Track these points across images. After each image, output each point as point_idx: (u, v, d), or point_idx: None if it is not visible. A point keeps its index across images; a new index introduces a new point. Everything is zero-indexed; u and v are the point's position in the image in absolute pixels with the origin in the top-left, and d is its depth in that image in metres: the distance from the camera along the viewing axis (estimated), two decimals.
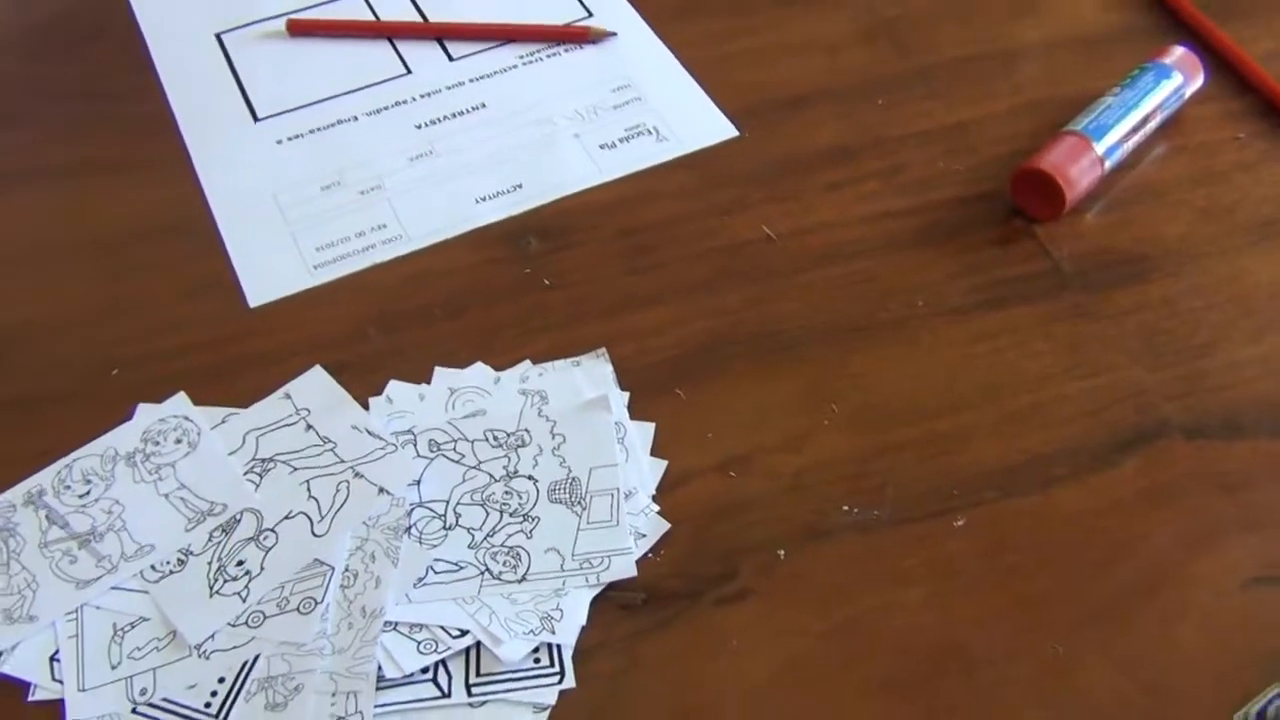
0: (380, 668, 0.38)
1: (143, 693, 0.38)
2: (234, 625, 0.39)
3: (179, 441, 0.43)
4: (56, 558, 0.41)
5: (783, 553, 0.41)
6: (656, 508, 0.42)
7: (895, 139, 0.55)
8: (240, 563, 0.41)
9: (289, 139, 0.56)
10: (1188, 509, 0.42)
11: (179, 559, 0.41)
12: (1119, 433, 0.44)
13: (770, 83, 0.58)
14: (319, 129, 0.57)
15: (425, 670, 0.38)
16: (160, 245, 0.51)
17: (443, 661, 0.39)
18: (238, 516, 0.42)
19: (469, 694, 0.38)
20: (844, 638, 0.39)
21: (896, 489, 0.43)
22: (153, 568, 0.41)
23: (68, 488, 0.42)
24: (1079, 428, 0.44)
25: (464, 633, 0.39)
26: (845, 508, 0.42)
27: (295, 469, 0.43)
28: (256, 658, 0.38)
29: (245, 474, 0.43)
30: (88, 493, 0.42)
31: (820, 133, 0.56)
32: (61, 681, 0.38)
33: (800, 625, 0.40)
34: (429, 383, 0.46)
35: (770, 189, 0.53)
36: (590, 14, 0.61)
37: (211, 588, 0.40)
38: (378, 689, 0.38)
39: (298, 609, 0.39)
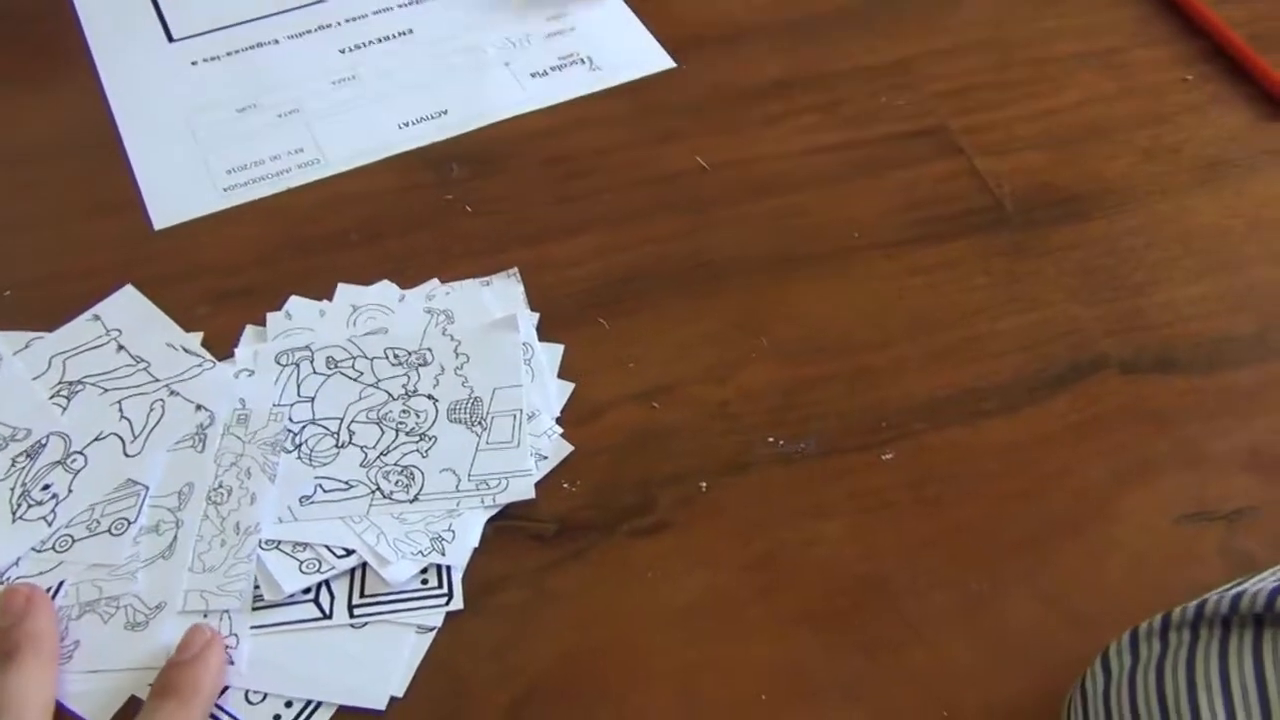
0: (258, 587, 0.36)
1: None
2: (39, 550, 0.37)
3: None
4: None
5: (704, 485, 0.40)
6: (560, 430, 0.40)
7: (836, 74, 0.54)
8: (46, 487, 0.39)
9: (205, 60, 0.54)
10: (1119, 444, 0.41)
11: None
12: (1053, 367, 0.43)
13: (711, 16, 0.56)
14: (237, 51, 0.54)
15: (307, 591, 0.36)
16: (64, 163, 0.49)
17: (326, 582, 0.37)
18: (43, 441, 0.40)
19: (351, 615, 0.36)
20: (764, 570, 0.38)
21: (823, 421, 0.41)
22: None
23: None
24: (1012, 362, 0.43)
25: (349, 552, 0.37)
26: (771, 439, 0.41)
27: (106, 390, 0.41)
28: (61, 583, 0.37)
29: (51, 398, 0.41)
30: None
31: (760, 67, 0.54)
32: None
33: (719, 557, 0.38)
34: (331, 299, 0.44)
35: (706, 121, 0.52)
36: None
37: (15, 513, 0.38)
38: (254, 609, 0.36)
39: (109, 530, 0.38)
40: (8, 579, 0.37)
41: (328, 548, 0.37)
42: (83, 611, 0.36)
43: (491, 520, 0.39)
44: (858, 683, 0.36)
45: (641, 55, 0.54)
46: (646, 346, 0.43)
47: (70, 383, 0.41)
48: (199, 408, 0.41)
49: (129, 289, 0.44)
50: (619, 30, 0.55)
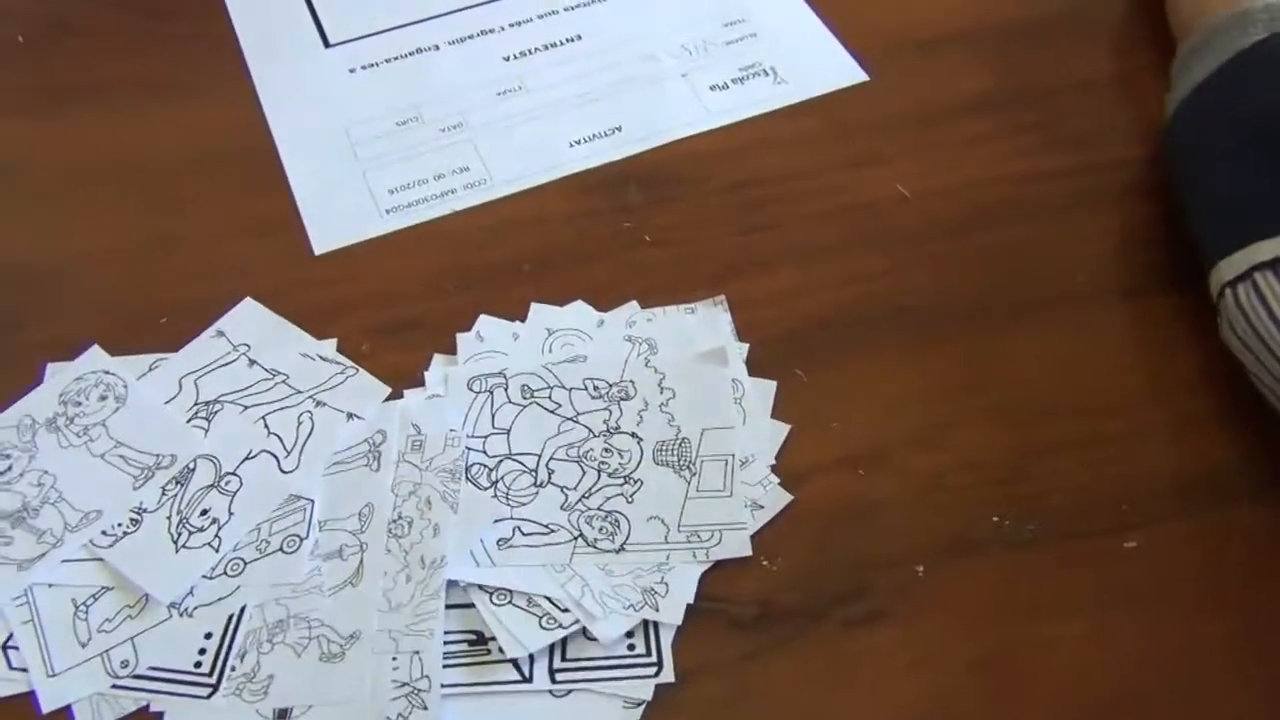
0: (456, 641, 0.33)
1: (124, 665, 0.34)
2: (210, 577, 0.35)
3: (104, 398, 0.39)
4: None
5: (921, 569, 0.35)
6: (777, 479, 0.36)
7: (1048, 88, 0.48)
8: (204, 512, 0.37)
9: (363, 68, 0.50)
10: None
11: (132, 519, 0.37)
12: None
13: (906, 21, 0.51)
14: (396, 58, 0.51)
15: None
16: (217, 178, 0.46)
17: None
18: (191, 466, 0.38)
19: (553, 680, 0.33)
20: (992, 674, 0.33)
21: (1055, 497, 0.36)
22: (103, 533, 0.36)
23: None
24: (1276, 433, 0.37)
25: (566, 610, 0.33)
26: (995, 519, 0.36)
27: (246, 407, 0.39)
28: (244, 607, 0.34)
29: (189, 420, 0.39)
30: (8, 469, 0.37)
31: (963, 79, 0.49)
32: (24, 669, 0.34)
33: (942, 656, 0.34)
34: (524, 321, 0.41)
35: (904, 142, 0.47)
36: None
37: (176, 542, 0.36)
38: (443, 667, 0.33)
39: (281, 549, 0.36)
40: (186, 610, 0.35)
41: (549, 600, 0.34)
42: (273, 637, 0.34)
43: None
44: None
45: (829, 66, 0.49)
46: (848, 402, 0.39)
47: (207, 403, 0.39)
48: (350, 416, 0.38)
49: (249, 301, 0.42)
50: (804, 37, 0.51)
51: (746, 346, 0.40)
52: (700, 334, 0.40)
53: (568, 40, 0.51)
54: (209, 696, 0.33)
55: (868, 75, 0.49)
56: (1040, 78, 0.48)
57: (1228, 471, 0.37)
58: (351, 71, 0.50)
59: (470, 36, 0.52)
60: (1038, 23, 0.51)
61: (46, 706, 0.33)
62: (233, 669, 0.34)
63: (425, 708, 0.32)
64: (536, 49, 0.51)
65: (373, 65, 0.51)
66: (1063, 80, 0.48)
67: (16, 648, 0.34)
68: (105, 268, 0.43)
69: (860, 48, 0.50)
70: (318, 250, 0.44)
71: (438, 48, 0.51)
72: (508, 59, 0.51)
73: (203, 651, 0.34)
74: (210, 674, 0.34)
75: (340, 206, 0.45)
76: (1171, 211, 0.43)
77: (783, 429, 0.38)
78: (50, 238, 0.44)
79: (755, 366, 0.40)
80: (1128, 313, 0.41)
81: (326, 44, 0.51)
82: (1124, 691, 0.33)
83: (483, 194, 0.46)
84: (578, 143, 0.47)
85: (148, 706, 0.33)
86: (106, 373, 0.40)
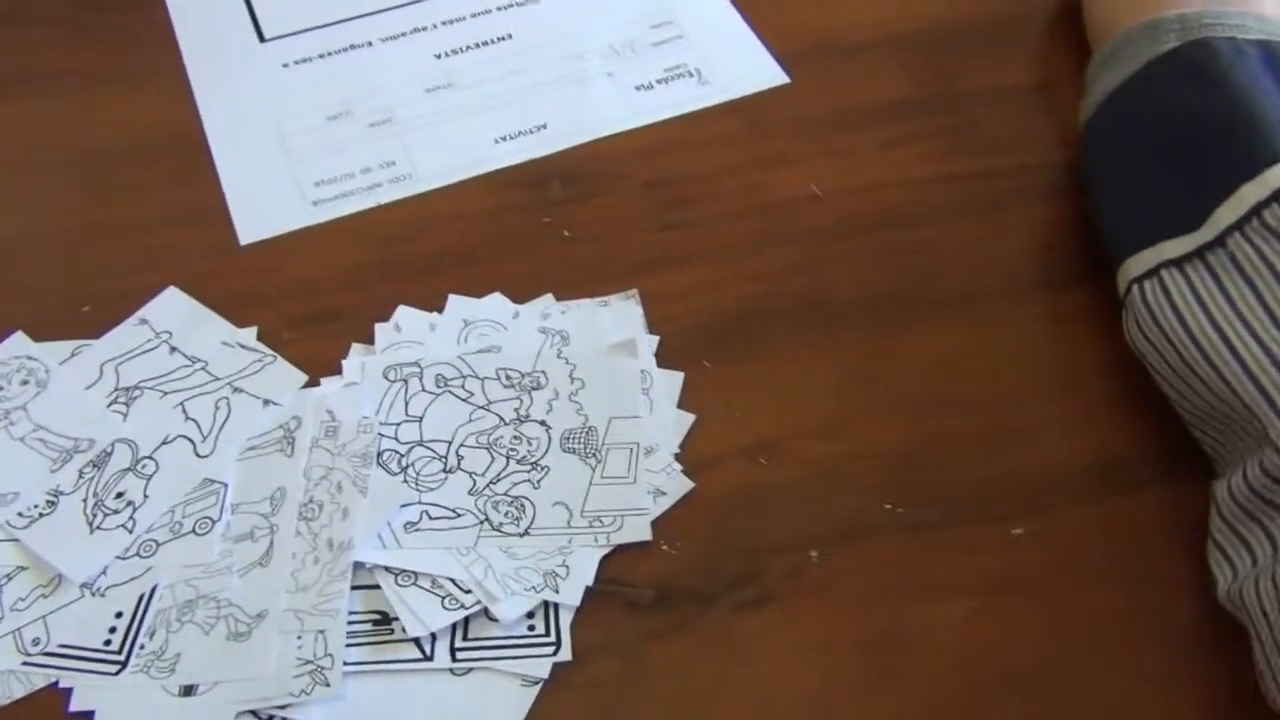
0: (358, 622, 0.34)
1: (35, 642, 0.35)
2: (124, 558, 0.36)
3: (25, 382, 0.40)
4: None
5: (815, 554, 0.36)
6: (680, 467, 0.37)
7: (966, 94, 0.50)
8: (120, 495, 0.37)
9: (296, 63, 0.51)
10: None
11: (48, 501, 0.37)
12: None
13: (827, 25, 0.52)
14: (330, 53, 0.52)
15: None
16: (149, 167, 0.47)
17: None
18: (108, 449, 0.38)
19: (453, 659, 0.34)
20: (878, 655, 0.35)
21: (949, 488, 0.38)
22: (19, 514, 0.37)
23: None
24: (1170, 427, 0.38)
25: (469, 591, 0.34)
26: (888, 505, 0.37)
27: (165, 393, 0.40)
28: (155, 587, 0.35)
29: (109, 405, 0.39)
30: None
31: (880, 84, 0.50)
32: None
33: (830, 639, 0.35)
34: (441, 312, 0.42)
35: (820, 143, 0.48)
36: None
37: (91, 524, 0.37)
38: (346, 646, 0.34)
39: (194, 530, 0.37)
40: (98, 589, 0.35)
41: (453, 581, 0.35)
42: (182, 616, 0.35)
43: None
44: None
45: (752, 68, 0.51)
46: (754, 394, 0.40)
47: (127, 388, 0.40)
48: (267, 403, 0.39)
49: (172, 290, 0.43)
50: (728, 39, 0.52)
51: (657, 339, 0.41)
52: (612, 326, 0.41)
53: (498, 39, 0.52)
54: (116, 673, 0.34)
55: (789, 77, 0.50)
56: (958, 84, 0.50)
57: (1119, 463, 0.38)
58: (285, 66, 0.51)
59: (403, 34, 0.52)
60: (958, 29, 0.52)
61: None
62: (141, 647, 0.34)
63: (328, 684, 0.33)
64: (468, 47, 0.52)
65: (306, 60, 0.51)
66: (980, 86, 0.50)
67: None
68: (34, 254, 0.44)
69: (783, 51, 0.51)
70: (243, 240, 0.45)
71: (370, 44, 0.52)
72: (439, 56, 0.52)
73: (113, 630, 0.35)
74: (119, 652, 0.34)
75: (268, 198, 0.46)
76: (1081, 214, 0.44)
77: (688, 419, 0.39)
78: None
79: (664, 358, 0.41)
80: (1032, 310, 0.42)
81: (261, 38, 0.52)
82: (1006, 669, 0.34)
83: (408, 188, 0.47)
84: (503, 139, 0.48)
85: (57, 683, 0.34)
86: (29, 358, 0.41)
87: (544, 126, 0.49)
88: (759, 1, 0.53)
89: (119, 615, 0.35)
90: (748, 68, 0.51)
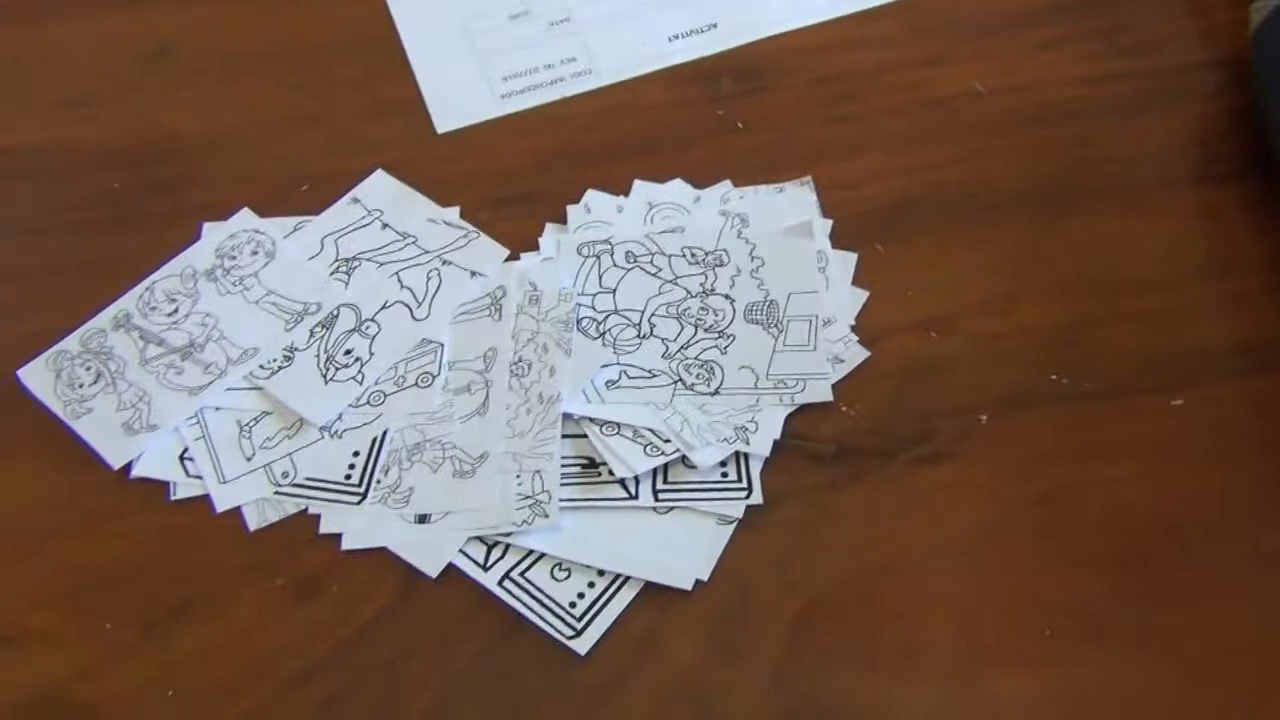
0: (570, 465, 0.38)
1: (284, 475, 0.39)
2: (356, 406, 0.40)
3: (255, 253, 0.44)
4: (161, 371, 0.41)
5: (984, 418, 0.39)
6: (856, 337, 0.41)
7: None
8: (348, 351, 0.41)
9: None
10: None
11: (285, 356, 0.41)
12: None
13: None
14: None
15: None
16: (349, 62, 0.50)
17: None
18: (335, 312, 0.42)
19: (656, 499, 0.38)
20: (1045, 509, 0.38)
21: (1109, 362, 0.40)
22: (261, 367, 0.41)
23: (153, 309, 0.43)
24: None
25: (668, 440, 0.38)
26: (1053, 376, 0.40)
27: (381, 264, 0.43)
28: (385, 432, 0.39)
29: (331, 274, 0.43)
30: (175, 310, 0.43)
31: None
32: (199, 478, 0.39)
33: (999, 492, 0.38)
34: (627, 196, 0.45)
35: (979, 44, 0.50)
36: None
37: (325, 376, 0.41)
38: (561, 484, 0.38)
39: (416, 384, 0.40)
40: (335, 432, 0.40)
41: (652, 431, 0.38)
42: (412, 456, 0.39)
43: None
44: (1145, 628, 0.35)
45: None
46: (923, 275, 0.43)
47: (346, 259, 0.44)
48: (474, 274, 0.43)
49: (380, 173, 0.46)
50: None
51: (830, 223, 0.44)
52: (788, 210, 0.44)
53: None
54: (359, 503, 0.39)
55: None
56: None
57: (1275, 345, 0.41)
58: None
59: None
60: None
61: (220, 507, 0.39)
62: (378, 481, 0.39)
63: (546, 515, 0.37)
64: None
65: None
66: None
67: (192, 459, 0.40)
68: (253, 141, 0.48)
69: None
70: (440, 129, 0.48)
71: None
72: None
73: (351, 467, 0.39)
74: (359, 485, 0.39)
75: (459, 91, 0.50)
76: (1238, 110, 0.46)
77: (862, 295, 0.42)
78: (204, 114, 0.49)
79: (838, 240, 0.44)
80: (1189, 202, 0.44)
81: None
82: (1167, 524, 0.37)
83: (588, 83, 0.50)
84: (675, 37, 0.51)
85: (306, 509, 0.39)
86: (257, 231, 0.45)
87: (714, 26, 0.51)
88: None
89: (356, 454, 0.39)
90: None
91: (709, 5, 0.52)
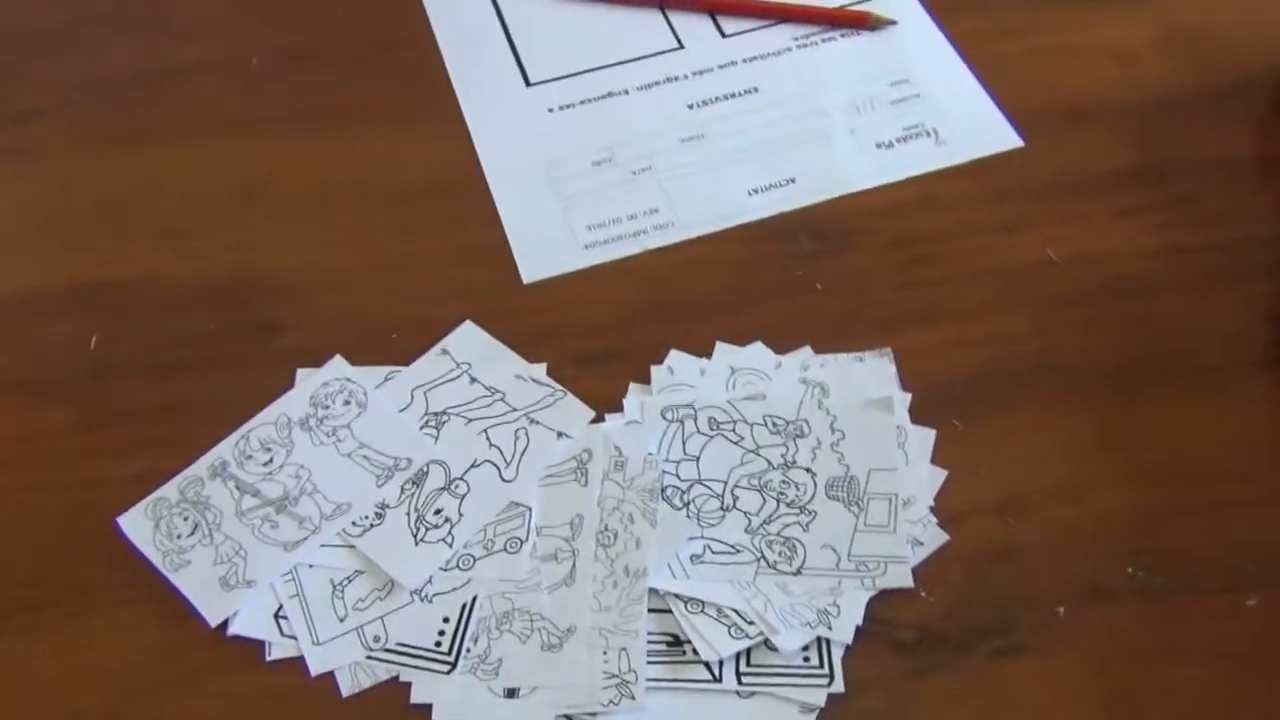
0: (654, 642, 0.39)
1: (376, 639, 0.40)
2: (446, 569, 0.41)
3: (348, 403, 0.45)
4: (257, 524, 0.42)
5: (1061, 610, 0.40)
6: (935, 519, 0.42)
7: (1192, 164, 0.52)
8: (438, 511, 0.42)
9: (560, 108, 0.56)
10: None
11: (376, 513, 0.42)
12: None
13: (1058, 89, 0.55)
14: (590, 100, 0.56)
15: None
16: (437, 202, 0.52)
17: None
18: (425, 469, 0.43)
19: (739, 682, 0.38)
20: (1122, 712, 0.38)
21: (1184, 554, 0.41)
22: (353, 524, 0.42)
23: (249, 457, 0.44)
24: None
25: (752, 622, 0.39)
26: (1129, 570, 0.41)
27: (470, 420, 0.44)
28: (474, 598, 0.40)
29: (421, 428, 0.44)
30: (270, 459, 0.44)
31: (1110, 150, 0.53)
32: (293, 638, 0.40)
33: (1078, 692, 0.39)
34: (709, 357, 0.46)
35: (1053, 208, 0.51)
36: None
37: (415, 536, 0.42)
38: (646, 663, 0.39)
39: (504, 549, 0.41)
40: (426, 596, 0.41)
41: (736, 611, 0.39)
42: (501, 625, 0.40)
43: None
44: None
45: (987, 130, 0.54)
46: (999, 453, 0.44)
47: (435, 413, 0.45)
48: (560, 435, 0.44)
49: (469, 324, 0.48)
50: (963, 99, 0.55)
51: (909, 396, 0.45)
52: (868, 381, 0.45)
53: (745, 92, 0.56)
54: (449, 672, 0.40)
55: (1022, 140, 0.53)
56: (1185, 153, 0.52)
57: None
58: (550, 111, 0.56)
59: (656, 83, 0.57)
60: (1183, 97, 0.54)
61: (315, 670, 0.40)
62: (468, 650, 0.40)
63: (633, 697, 0.38)
64: (717, 98, 0.56)
65: (569, 106, 0.56)
66: (1208, 157, 0.52)
67: (286, 617, 0.41)
68: (344, 283, 0.50)
69: (1014, 112, 0.54)
70: (526, 279, 0.50)
71: (626, 92, 0.56)
72: (691, 107, 0.56)
73: (441, 633, 0.40)
74: (449, 653, 0.40)
75: (546, 240, 0.51)
76: None
77: (940, 474, 0.43)
78: (298, 251, 0.50)
79: (916, 413, 0.45)
80: (1263, 385, 0.45)
81: (528, 83, 0.57)
82: None
83: (669, 235, 0.51)
84: (754, 191, 0.52)
85: (398, 676, 0.40)
86: (349, 380, 0.46)
87: (792, 181, 0.53)
88: (991, 63, 0.56)
89: (445, 620, 0.41)
90: (982, 129, 0.54)
91: (788, 160, 0.53)
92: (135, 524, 0.43)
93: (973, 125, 0.54)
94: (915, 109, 0.55)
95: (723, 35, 0.58)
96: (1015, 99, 0.55)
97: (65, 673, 0.40)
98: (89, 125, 0.55)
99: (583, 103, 0.56)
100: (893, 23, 0.58)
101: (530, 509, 0.43)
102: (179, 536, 0.42)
